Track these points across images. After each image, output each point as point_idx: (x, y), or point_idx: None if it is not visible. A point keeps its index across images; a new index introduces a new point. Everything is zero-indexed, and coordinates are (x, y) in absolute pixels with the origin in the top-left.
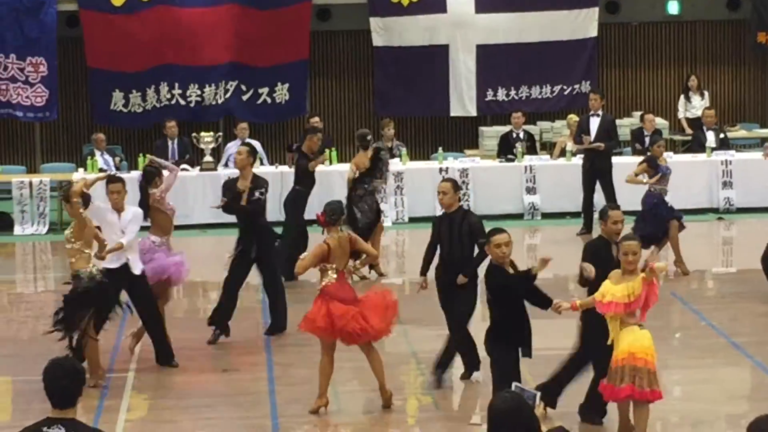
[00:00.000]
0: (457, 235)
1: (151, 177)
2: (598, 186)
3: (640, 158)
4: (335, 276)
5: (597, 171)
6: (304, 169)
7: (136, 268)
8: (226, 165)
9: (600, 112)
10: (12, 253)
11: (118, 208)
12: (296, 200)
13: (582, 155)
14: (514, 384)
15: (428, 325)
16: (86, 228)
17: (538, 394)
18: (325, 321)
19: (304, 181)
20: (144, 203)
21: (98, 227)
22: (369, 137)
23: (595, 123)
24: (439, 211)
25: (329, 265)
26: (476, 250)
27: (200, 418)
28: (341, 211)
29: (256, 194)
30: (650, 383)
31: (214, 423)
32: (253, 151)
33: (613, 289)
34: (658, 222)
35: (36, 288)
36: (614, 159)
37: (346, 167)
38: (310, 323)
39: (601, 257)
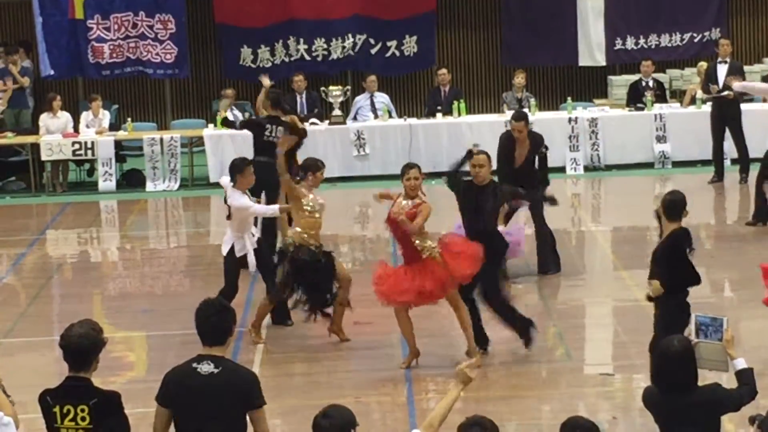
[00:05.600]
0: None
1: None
2: (728, 133)
3: None
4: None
5: (726, 118)
6: None
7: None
8: (355, 118)
9: (728, 59)
10: (144, 210)
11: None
12: None
13: (711, 103)
14: (695, 315)
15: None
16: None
17: (726, 318)
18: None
19: None
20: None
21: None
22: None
23: (722, 70)
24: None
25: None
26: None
27: (334, 371)
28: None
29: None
30: None
31: (348, 376)
32: None
33: None
34: None
35: (168, 244)
36: (744, 106)
37: (474, 119)
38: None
39: None
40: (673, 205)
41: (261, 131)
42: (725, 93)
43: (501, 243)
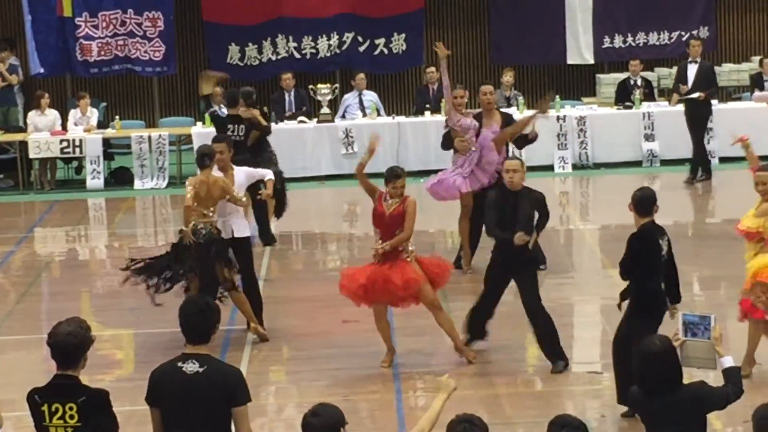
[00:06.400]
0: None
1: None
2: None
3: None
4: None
5: (697, 119)
6: None
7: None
8: (343, 117)
9: (698, 59)
10: (132, 208)
11: (224, 169)
12: None
13: (682, 104)
14: (682, 314)
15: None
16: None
17: (714, 316)
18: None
19: None
20: None
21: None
22: (254, 95)
23: (692, 70)
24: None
25: None
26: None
27: (321, 369)
28: None
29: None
30: None
31: (335, 374)
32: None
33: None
34: None
35: (156, 241)
36: (726, 105)
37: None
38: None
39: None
40: (643, 201)
41: (224, 131)
42: (696, 95)
43: (536, 251)
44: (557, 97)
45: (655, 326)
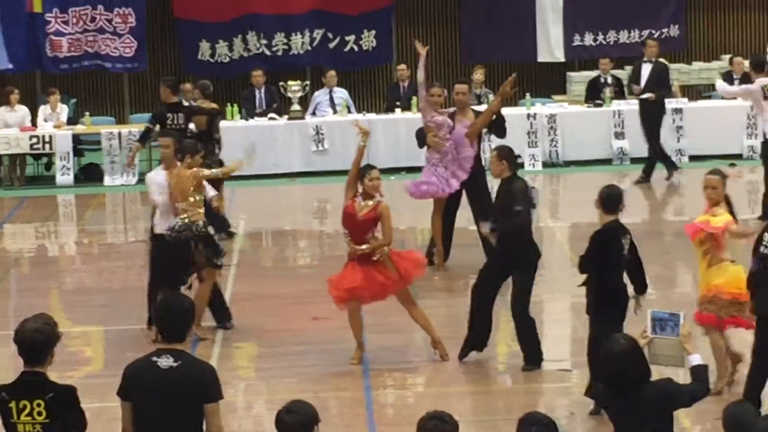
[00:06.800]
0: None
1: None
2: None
3: (730, 102)
4: None
5: (651, 118)
6: None
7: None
8: (314, 114)
9: (653, 59)
10: (102, 204)
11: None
12: None
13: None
14: (651, 311)
15: None
16: None
17: (683, 313)
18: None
19: None
20: None
21: None
22: (211, 88)
23: (646, 70)
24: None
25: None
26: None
27: (291, 365)
28: None
29: None
30: None
31: (304, 371)
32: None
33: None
34: None
35: (126, 238)
36: (696, 104)
37: None
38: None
39: None
40: (610, 199)
41: (164, 121)
42: (647, 95)
43: (532, 249)
44: (527, 94)
45: (620, 322)
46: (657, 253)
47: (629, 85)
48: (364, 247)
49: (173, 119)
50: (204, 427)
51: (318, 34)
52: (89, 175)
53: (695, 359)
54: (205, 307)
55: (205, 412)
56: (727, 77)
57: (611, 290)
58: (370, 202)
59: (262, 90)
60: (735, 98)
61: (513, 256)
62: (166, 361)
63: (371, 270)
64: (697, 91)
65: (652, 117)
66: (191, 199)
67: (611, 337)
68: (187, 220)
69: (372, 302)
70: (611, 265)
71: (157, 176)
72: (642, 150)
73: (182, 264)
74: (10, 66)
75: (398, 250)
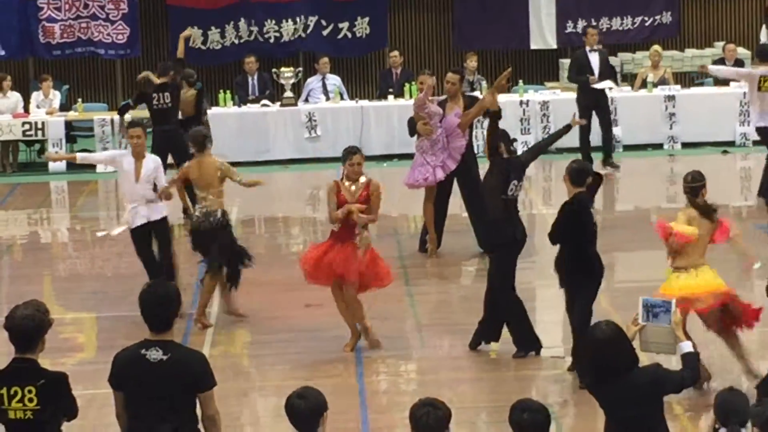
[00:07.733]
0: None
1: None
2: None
3: (723, 88)
4: None
5: (604, 107)
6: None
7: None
8: (306, 100)
9: (597, 47)
10: (95, 191)
11: (138, 155)
12: None
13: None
14: (643, 298)
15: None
16: None
17: (674, 300)
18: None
19: None
20: None
21: None
22: (195, 76)
23: (595, 58)
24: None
25: None
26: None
27: (283, 352)
28: None
29: None
30: None
31: (296, 357)
32: None
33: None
34: None
35: (119, 224)
36: (688, 91)
37: None
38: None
39: None
40: (579, 172)
41: (150, 102)
42: (605, 84)
43: (510, 231)
44: (520, 81)
45: (596, 288)
46: (646, 241)
47: (583, 76)
48: (353, 208)
49: (159, 98)
50: (198, 413)
51: (311, 20)
52: None
53: (686, 347)
54: (209, 296)
55: (199, 400)
56: (720, 64)
57: (588, 258)
58: (360, 182)
59: (255, 77)
60: (728, 83)
61: (488, 240)
62: (155, 354)
63: (345, 248)
64: (690, 78)
65: (604, 105)
66: (213, 189)
67: (594, 325)
68: (205, 210)
69: (335, 279)
70: (588, 233)
71: (125, 163)
72: (635, 137)
73: (206, 252)
74: (3, 52)
75: (379, 258)
